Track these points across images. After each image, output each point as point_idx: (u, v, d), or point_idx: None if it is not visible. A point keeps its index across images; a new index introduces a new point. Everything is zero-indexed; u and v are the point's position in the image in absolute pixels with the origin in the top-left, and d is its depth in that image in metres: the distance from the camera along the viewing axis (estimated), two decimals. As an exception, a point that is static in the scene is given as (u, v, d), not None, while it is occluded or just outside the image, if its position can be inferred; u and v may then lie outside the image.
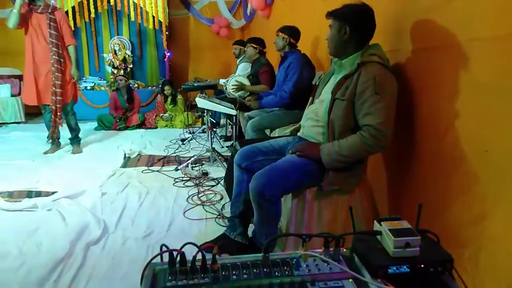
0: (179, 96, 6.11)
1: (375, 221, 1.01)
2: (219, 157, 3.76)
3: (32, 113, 6.34)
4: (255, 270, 0.95)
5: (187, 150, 4.43)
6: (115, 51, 6.89)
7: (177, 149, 4.46)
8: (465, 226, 1.39)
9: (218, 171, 3.57)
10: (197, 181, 3.30)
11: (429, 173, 1.67)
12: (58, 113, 4.06)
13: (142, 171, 3.63)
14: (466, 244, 1.36)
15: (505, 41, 1.21)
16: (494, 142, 1.27)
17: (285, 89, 3.22)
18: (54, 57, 3.90)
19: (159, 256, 0.98)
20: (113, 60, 6.85)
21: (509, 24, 1.19)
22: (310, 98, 2.17)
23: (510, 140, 1.20)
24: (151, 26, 6.94)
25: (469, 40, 1.39)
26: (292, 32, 3.34)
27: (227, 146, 4.58)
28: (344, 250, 1.03)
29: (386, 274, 0.90)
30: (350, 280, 0.91)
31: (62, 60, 3.99)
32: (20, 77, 6.34)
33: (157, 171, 3.65)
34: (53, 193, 2.95)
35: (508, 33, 1.20)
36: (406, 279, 0.91)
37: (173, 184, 3.28)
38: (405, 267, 0.91)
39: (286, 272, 0.94)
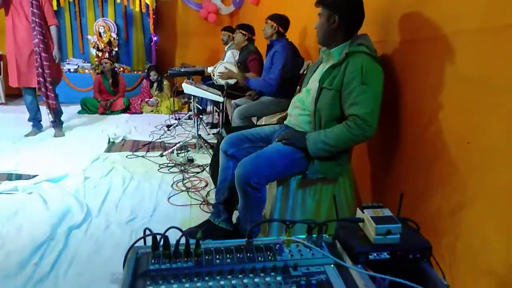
0: (165, 82, 6.03)
1: (357, 209, 1.03)
2: (205, 144, 3.75)
3: (12, 95, 6.16)
4: (238, 255, 0.96)
5: (172, 136, 4.39)
6: (100, 33, 6.73)
7: (162, 135, 4.42)
8: (444, 215, 1.42)
9: (203, 158, 3.56)
10: (182, 168, 3.28)
11: (411, 163, 1.70)
12: (51, 94, 3.96)
13: (126, 156, 3.59)
14: (445, 233, 1.40)
15: (492, 33, 1.22)
16: (476, 135, 1.29)
17: (270, 76, 3.22)
18: (38, 37, 3.79)
19: (142, 240, 0.98)
20: (97, 42, 6.70)
21: (496, 17, 1.21)
22: (298, 87, 2.17)
23: (492, 133, 1.23)
24: (137, 9, 6.80)
25: (455, 32, 1.40)
26: (282, 21, 3.31)
27: (213, 133, 4.57)
28: (327, 236, 1.05)
29: (367, 260, 0.92)
30: (332, 265, 0.93)
31: (46, 40, 3.88)
32: (0, 57, 6.14)
33: (142, 156, 3.62)
34: (34, 176, 2.90)
35: (495, 25, 1.21)
36: (386, 265, 0.93)
37: (158, 170, 3.26)
38: (385, 253, 0.93)
39: (269, 257, 0.95)
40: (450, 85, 1.43)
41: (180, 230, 0.95)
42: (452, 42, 1.42)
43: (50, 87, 3.96)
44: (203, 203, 2.63)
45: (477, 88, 1.29)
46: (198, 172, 3.22)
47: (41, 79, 3.89)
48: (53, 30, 3.96)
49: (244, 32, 4.20)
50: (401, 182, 1.78)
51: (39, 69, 3.86)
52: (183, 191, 2.83)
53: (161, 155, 3.62)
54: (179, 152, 3.69)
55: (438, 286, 0.88)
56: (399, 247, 0.93)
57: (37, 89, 4.00)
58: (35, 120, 4.27)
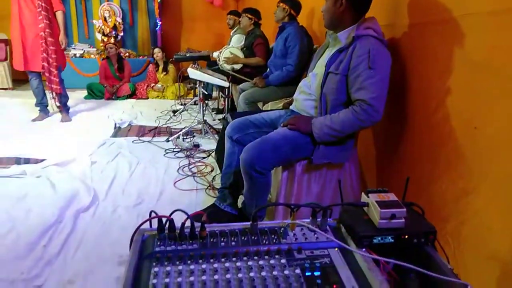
0: (171, 65, 6.00)
1: (362, 193, 1.03)
2: (211, 130, 3.75)
3: (19, 80, 6.18)
4: (243, 238, 0.97)
5: (178, 121, 4.40)
6: (105, 17, 6.68)
7: (168, 120, 4.43)
8: (449, 201, 1.42)
9: (209, 143, 3.57)
10: (188, 153, 3.30)
11: (417, 148, 1.69)
12: (55, 79, 3.97)
13: (132, 141, 3.61)
14: (449, 218, 1.40)
15: (502, 16, 1.19)
16: (483, 120, 1.28)
17: (289, 62, 3.16)
18: (44, 21, 3.78)
19: (148, 222, 0.99)
20: (103, 27, 6.66)
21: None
22: (305, 72, 2.15)
23: (500, 118, 1.21)
24: (142, -7, 6.72)
25: (465, 15, 1.37)
26: (294, 4, 3.25)
27: (219, 119, 4.56)
28: (331, 220, 1.05)
29: (371, 244, 0.93)
30: (336, 249, 0.94)
31: (52, 25, 3.87)
32: (6, 42, 6.15)
33: (148, 141, 3.63)
34: (42, 160, 2.93)
35: (505, 8, 1.18)
36: (391, 249, 0.93)
37: (164, 155, 3.28)
38: (389, 237, 0.93)
39: (274, 240, 0.96)
40: (458, 69, 1.41)
41: (186, 213, 0.96)
42: (461, 25, 1.39)
43: (55, 72, 3.96)
44: (209, 187, 2.64)
45: (485, 72, 1.27)
46: (204, 157, 3.23)
47: (45, 64, 3.89)
48: (59, 15, 3.95)
49: (251, 16, 4.15)
50: (407, 167, 1.78)
51: (44, 54, 3.86)
52: (189, 176, 2.84)
53: (167, 141, 3.63)
54: (185, 137, 3.70)
55: (442, 270, 0.88)
56: (404, 231, 0.94)
57: (41, 74, 4.00)
58: (42, 105, 4.29)
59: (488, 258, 1.23)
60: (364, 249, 0.91)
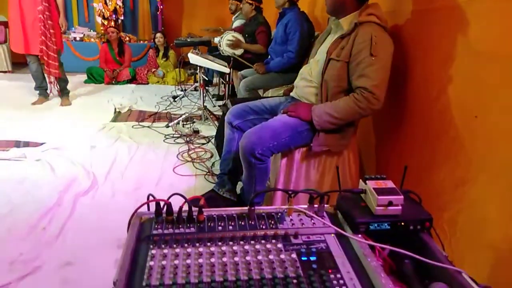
0: (171, 51, 5.95)
1: (360, 180, 1.02)
2: (211, 116, 3.74)
3: (19, 63, 6.13)
4: (240, 222, 0.97)
5: (178, 107, 4.38)
6: (105, 1, 6.59)
7: (168, 106, 4.41)
8: (447, 189, 1.42)
9: (209, 129, 3.57)
10: (187, 139, 3.29)
11: (417, 137, 1.69)
12: (53, 62, 3.94)
13: (132, 126, 3.60)
14: (447, 207, 1.41)
15: (508, 3, 1.17)
16: (484, 109, 1.27)
17: (290, 49, 3.13)
18: (43, 3, 3.73)
19: (146, 206, 0.99)
20: (103, 10, 6.58)
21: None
22: (306, 58, 2.13)
23: (501, 108, 1.20)
24: (143, -24, 6.62)
25: (470, 1, 1.35)
26: None
27: (219, 105, 4.54)
28: (329, 207, 1.05)
29: (367, 230, 0.93)
30: (332, 235, 0.94)
31: (50, 7, 3.82)
32: (5, 24, 6.08)
33: (148, 127, 3.63)
34: (41, 144, 2.93)
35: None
36: (387, 235, 0.94)
37: (164, 140, 3.28)
38: (386, 224, 0.93)
39: (271, 225, 0.96)
40: (462, 57, 1.39)
41: (183, 196, 0.96)
42: (466, 12, 1.37)
43: (54, 55, 3.93)
44: (208, 173, 2.65)
45: (489, 60, 1.26)
46: (203, 143, 3.23)
47: (44, 47, 3.85)
48: None
49: (251, 1, 4.07)
50: (406, 156, 1.78)
51: (42, 37, 3.82)
52: (188, 161, 2.85)
53: (167, 126, 3.63)
54: (184, 123, 3.69)
55: (437, 256, 0.89)
56: (400, 218, 0.94)
57: (40, 57, 3.97)
58: (41, 88, 4.27)
59: (484, 247, 1.24)
60: (360, 235, 0.92)
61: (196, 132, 3.46)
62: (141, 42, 6.86)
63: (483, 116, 1.28)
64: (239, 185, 2.15)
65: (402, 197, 0.94)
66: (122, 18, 6.82)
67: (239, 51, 4.04)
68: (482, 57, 1.29)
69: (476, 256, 1.27)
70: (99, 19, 6.67)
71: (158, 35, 5.84)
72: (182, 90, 5.03)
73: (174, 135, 3.38)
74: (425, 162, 1.58)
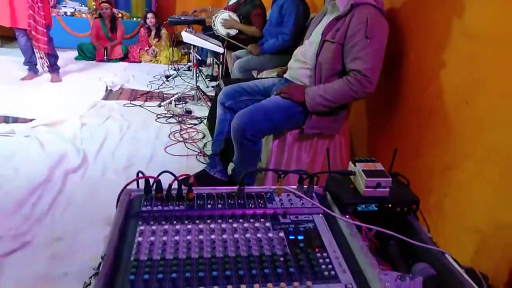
0: (163, 30, 5.84)
1: (350, 162, 1.03)
2: (204, 96, 3.71)
3: (8, 36, 5.97)
4: (229, 201, 0.97)
5: (171, 87, 4.33)
6: (97, -25, 6.41)
7: (161, 85, 4.36)
8: (434, 174, 1.44)
9: (201, 110, 3.54)
10: (180, 119, 3.27)
11: (408, 121, 1.70)
12: (42, 37, 3.84)
13: (124, 105, 3.57)
14: (433, 191, 1.43)
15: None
16: (476, 95, 1.28)
17: (285, 31, 3.08)
18: (31, -25, 3.61)
19: (135, 183, 0.99)
20: (95, -15, 6.40)
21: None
22: (301, 40, 2.11)
23: (493, 93, 1.21)
24: (137, -50, 6.43)
25: (466, -14, 1.34)
26: None
27: (212, 86, 4.50)
28: (318, 188, 1.06)
29: (355, 212, 0.94)
30: (320, 215, 0.95)
31: (39, -21, 3.71)
32: (-7, -4, 5.90)
33: (140, 105, 3.59)
34: (31, 120, 2.89)
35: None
36: (374, 217, 0.95)
37: (156, 120, 3.25)
38: (373, 205, 0.95)
39: (260, 205, 0.97)
40: (456, 41, 1.39)
41: (173, 174, 0.96)
42: (462, -3, 1.36)
43: (43, 30, 3.82)
44: (200, 154, 2.65)
45: (484, 45, 1.25)
46: (195, 124, 3.21)
47: (31, 21, 3.74)
48: None
49: None
50: (397, 139, 1.79)
51: (30, 11, 3.70)
52: (180, 141, 2.83)
53: (159, 105, 3.59)
54: (177, 103, 3.66)
55: (422, 238, 0.91)
56: (388, 200, 0.95)
57: (28, 32, 3.87)
58: (31, 63, 4.18)
59: (468, 230, 1.27)
60: (348, 216, 0.93)
61: (189, 112, 3.44)
62: (134, 19, 6.71)
63: (474, 102, 1.29)
64: (231, 166, 2.15)
65: (390, 179, 0.95)
66: (114, -7, 6.65)
67: (233, 32, 3.97)
68: (476, 42, 1.29)
69: (460, 239, 1.30)
70: (91, -6, 6.49)
71: (150, 15, 5.70)
72: (175, 70, 4.96)
73: (166, 115, 3.36)
74: (414, 146, 1.59)
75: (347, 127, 1.97)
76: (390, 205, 0.95)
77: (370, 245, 0.93)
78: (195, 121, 3.27)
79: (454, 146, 1.36)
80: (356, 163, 1.00)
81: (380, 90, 1.77)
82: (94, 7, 6.35)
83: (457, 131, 1.35)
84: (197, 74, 3.84)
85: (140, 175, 0.97)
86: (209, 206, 0.95)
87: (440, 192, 1.40)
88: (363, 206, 0.94)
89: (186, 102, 3.72)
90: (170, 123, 3.20)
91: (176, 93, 3.79)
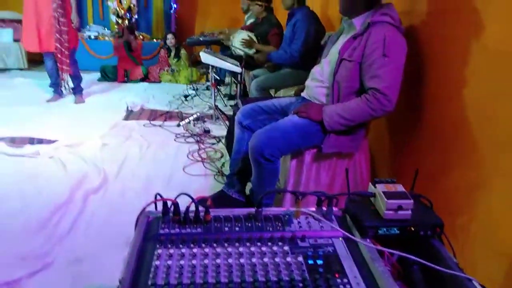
0: (183, 51, 5.98)
1: (370, 183, 1.01)
2: (222, 115, 3.74)
3: (35, 60, 6.22)
4: (247, 224, 0.96)
5: (190, 106, 4.40)
6: (119, -1, 6.66)
7: (180, 104, 4.43)
8: (460, 194, 1.39)
9: (220, 129, 3.57)
10: (198, 138, 3.30)
11: (430, 139, 1.66)
12: (66, 60, 4.00)
13: (143, 125, 3.63)
14: (459, 212, 1.38)
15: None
16: (499, 111, 1.24)
17: (294, 47, 3.12)
18: (57, 1, 3.78)
19: (153, 205, 0.99)
20: (117, 9, 6.64)
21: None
22: (318, 58, 2.11)
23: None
24: (158, -25, 6.66)
25: (484, 2, 1.32)
26: None
27: (230, 105, 4.54)
28: (337, 210, 1.04)
29: (376, 235, 0.92)
30: (340, 238, 0.93)
31: (64, 5, 3.88)
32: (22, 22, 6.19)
33: (159, 125, 3.65)
34: (54, 141, 2.98)
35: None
36: (396, 240, 0.92)
37: (174, 139, 3.29)
38: (395, 229, 0.92)
39: (278, 227, 0.95)
40: (477, 59, 1.36)
41: (190, 196, 0.96)
42: (481, 13, 1.34)
43: (67, 53, 3.98)
44: (218, 173, 2.65)
45: (504, 62, 1.22)
46: (213, 143, 3.23)
47: (58, 44, 3.91)
48: None
49: (260, 3, 4.01)
50: (419, 159, 1.75)
51: (57, 35, 3.87)
52: (198, 161, 2.85)
53: (178, 125, 3.64)
54: (195, 122, 3.70)
55: (447, 263, 0.87)
56: (410, 223, 0.92)
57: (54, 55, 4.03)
58: (56, 86, 4.33)
59: (497, 254, 1.21)
60: (368, 240, 0.90)
61: (207, 131, 3.47)
62: (155, 40, 6.91)
63: (497, 118, 1.25)
64: (249, 186, 2.14)
65: (412, 201, 0.92)
66: (136, 16, 6.87)
67: (251, 51, 4.02)
68: (497, 59, 1.26)
69: (489, 264, 1.24)
70: (113, 18, 6.73)
71: (169, 36, 5.86)
72: (193, 89, 5.05)
73: (185, 134, 3.39)
74: (437, 166, 1.55)
75: (367, 146, 1.94)
76: (412, 228, 0.92)
77: (393, 271, 0.90)
78: (214, 140, 3.29)
79: (479, 165, 1.31)
80: (376, 184, 0.98)
81: (400, 108, 1.75)
82: (116, 29, 6.58)
83: (482, 149, 1.31)
84: (215, 94, 3.89)
85: (158, 197, 0.97)
86: (226, 228, 0.94)
87: (466, 213, 1.35)
88: (385, 229, 0.91)
89: (204, 121, 3.76)
90: (188, 142, 3.23)
91: (195, 113, 3.84)
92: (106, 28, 6.91)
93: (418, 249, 0.91)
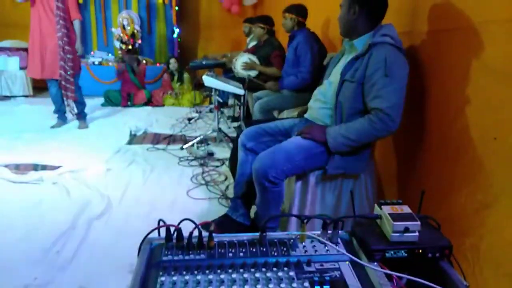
0: (186, 74, 6.06)
1: (375, 205, 1.00)
2: (225, 138, 3.75)
3: (40, 87, 6.32)
4: (251, 249, 0.95)
5: (193, 129, 4.42)
6: (123, 25, 6.81)
7: (183, 128, 4.45)
8: (468, 214, 1.37)
9: (223, 151, 3.57)
10: (202, 161, 3.30)
11: (435, 159, 1.64)
12: (70, 86, 4.06)
13: (147, 149, 3.64)
14: (468, 233, 1.35)
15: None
16: (504, 130, 1.23)
17: (303, 70, 3.14)
18: (62, 30, 3.88)
19: (156, 231, 0.98)
20: (121, 35, 6.78)
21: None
22: (321, 80, 2.13)
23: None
24: (160, 1, 6.84)
25: (484, 22, 1.34)
26: (299, 11, 3.25)
27: (234, 127, 4.56)
28: (343, 233, 1.02)
29: (383, 258, 0.90)
30: (347, 262, 0.91)
31: (69, 33, 3.97)
32: (27, 50, 6.33)
33: (163, 149, 3.65)
34: (58, 167, 2.98)
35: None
36: (404, 263, 0.90)
37: (178, 163, 3.29)
38: (402, 251, 0.90)
39: (283, 252, 0.94)
40: (478, 78, 1.37)
41: (194, 222, 0.94)
42: (481, 33, 1.35)
43: (72, 79, 4.04)
44: (222, 197, 2.63)
45: (506, 81, 1.23)
46: (217, 166, 3.23)
47: (62, 72, 3.98)
48: (76, 24, 4.04)
49: (263, 26, 4.10)
50: (425, 179, 1.73)
51: (61, 62, 3.95)
52: (202, 184, 2.84)
53: (181, 148, 3.65)
54: (199, 145, 3.71)
55: (457, 286, 0.84)
56: (418, 246, 0.90)
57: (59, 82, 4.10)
58: (60, 112, 4.38)
59: (508, 275, 1.18)
60: (376, 263, 0.88)
61: (211, 154, 3.47)
62: (158, 65, 7.02)
63: (502, 137, 1.24)
64: (253, 209, 2.12)
65: (419, 223, 0.91)
66: (139, 42, 7.02)
67: (253, 73, 4.07)
68: (498, 77, 1.26)
69: (501, 285, 1.20)
70: (117, 44, 6.87)
71: (172, 60, 5.96)
72: (197, 112, 5.08)
73: (189, 158, 3.40)
74: (444, 186, 1.53)
75: (373, 166, 1.92)
76: (420, 251, 0.90)
77: (402, 295, 0.87)
78: (217, 163, 3.29)
79: (487, 184, 1.30)
80: (382, 206, 0.97)
81: (405, 128, 1.74)
82: (120, 55, 6.71)
83: (488, 168, 1.30)
84: (219, 116, 3.91)
85: (161, 223, 0.96)
86: (230, 254, 0.93)
87: (475, 234, 1.32)
88: (392, 252, 0.89)
89: (208, 144, 3.77)
90: (192, 166, 3.23)
91: (198, 136, 3.86)
92: (110, 54, 7.04)
93: (427, 272, 0.89)
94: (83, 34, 4.13)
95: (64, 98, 4.18)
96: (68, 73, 4.00)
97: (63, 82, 4.02)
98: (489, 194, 1.28)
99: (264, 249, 0.94)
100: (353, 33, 1.82)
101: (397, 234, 0.90)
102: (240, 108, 4.47)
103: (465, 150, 1.41)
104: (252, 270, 0.87)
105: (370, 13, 1.74)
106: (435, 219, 1.00)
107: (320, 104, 1.94)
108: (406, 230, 0.89)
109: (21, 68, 6.30)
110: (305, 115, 2.09)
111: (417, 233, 0.91)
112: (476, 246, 1.30)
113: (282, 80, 3.35)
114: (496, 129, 1.26)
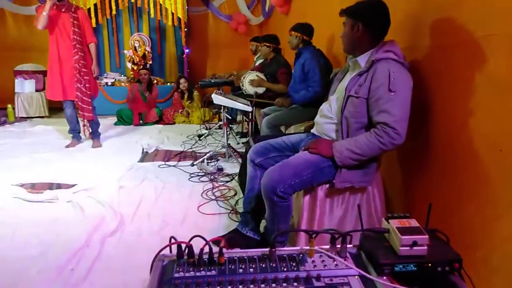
0: (196, 92, 6.16)
1: (383, 219, 1.01)
2: (234, 153, 3.79)
3: (55, 108, 6.50)
4: (261, 265, 0.96)
5: (203, 146, 4.47)
6: (135, 47, 7.00)
7: (193, 144, 4.51)
8: (477, 226, 1.36)
9: (233, 167, 3.60)
10: (212, 177, 3.33)
11: (442, 172, 1.65)
12: (87, 106, 4.17)
13: (159, 166, 3.69)
14: (478, 245, 1.34)
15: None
16: (509, 141, 1.24)
17: (314, 84, 3.16)
18: (79, 53, 4.02)
19: (168, 248, 1.01)
20: (133, 56, 6.96)
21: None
22: (326, 96, 2.16)
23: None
24: (170, 23, 7.03)
25: (486, 36, 1.36)
26: (304, 29, 3.32)
27: (243, 143, 4.60)
28: (352, 247, 1.03)
29: (392, 272, 0.90)
30: (356, 277, 0.92)
31: (85, 56, 4.11)
32: (44, 73, 6.51)
33: (174, 166, 3.70)
34: (73, 185, 3.05)
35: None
36: (413, 277, 0.90)
37: (189, 179, 3.32)
38: (412, 265, 0.90)
39: (292, 267, 0.95)
40: (482, 90, 1.38)
41: (204, 239, 0.97)
42: (483, 47, 1.37)
43: (88, 100, 4.16)
44: (232, 212, 2.65)
45: (509, 93, 1.24)
46: (227, 181, 3.25)
47: (79, 93, 4.10)
48: (92, 47, 4.20)
49: (269, 44, 4.17)
50: (432, 192, 1.72)
51: (78, 84, 4.07)
52: (212, 200, 2.86)
53: (192, 165, 3.69)
54: (209, 161, 3.75)
55: (468, 300, 0.85)
56: (427, 259, 0.91)
57: (75, 102, 4.21)
58: (75, 131, 4.49)
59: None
60: (385, 277, 0.89)
61: (220, 170, 3.50)
62: (168, 84, 7.16)
63: (508, 149, 1.24)
64: (263, 223, 2.13)
65: (427, 236, 0.91)
66: (150, 62, 7.19)
67: (261, 90, 4.13)
68: (502, 90, 1.27)
69: (514, 298, 1.19)
70: (129, 65, 7.05)
71: (182, 80, 6.07)
72: (207, 129, 5.15)
73: (199, 174, 3.43)
74: (452, 198, 1.53)
75: (380, 179, 1.93)
76: (429, 265, 0.90)
77: (412, 309, 0.87)
78: (227, 178, 3.31)
79: (495, 196, 1.29)
80: (390, 220, 0.98)
81: (411, 141, 1.75)
82: (132, 75, 6.86)
83: (496, 179, 1.30)
84: (228, 132, 3.96)
85: (173, 240, 0.99)
86: (240, 270, 0.95)
87: (486, 246, 1.31)
88: (401, 266, 0.90)
89: (217, 160, 3.81)
90: (202, 181, 3.26)
91: (208, 152, 3.90)
92: (122, 75, 7.21)
93: (437, 286, 0.89)
94: (97, 58, 4.27)
95: (80, 118, 4.29)
96: (85, 94, 4.11)
97: (79, 103, 4.14)
98: (497, 206, 1.27)
99: (274, 265, 0.96)
100: (356, 50, 1.86)
101: (406, 248, 0.91)
102: (248, 124, 4.51)
103: (472, 162, 1.41)
104: (262, 285, 0.89)
105: (373, 31, 1.78)
106: (444, 232, 1.00)
107: (326, 119, 1.97)
108: (415, 243, 0.90)
109: (36, 90, 6.49)
110: (312, 130, 2.11)
111: (425, 247, 0.91)
112: (487, 259, 1.29)
113: (293, 96, 3.38)
114: (501, 140, 1.27)
